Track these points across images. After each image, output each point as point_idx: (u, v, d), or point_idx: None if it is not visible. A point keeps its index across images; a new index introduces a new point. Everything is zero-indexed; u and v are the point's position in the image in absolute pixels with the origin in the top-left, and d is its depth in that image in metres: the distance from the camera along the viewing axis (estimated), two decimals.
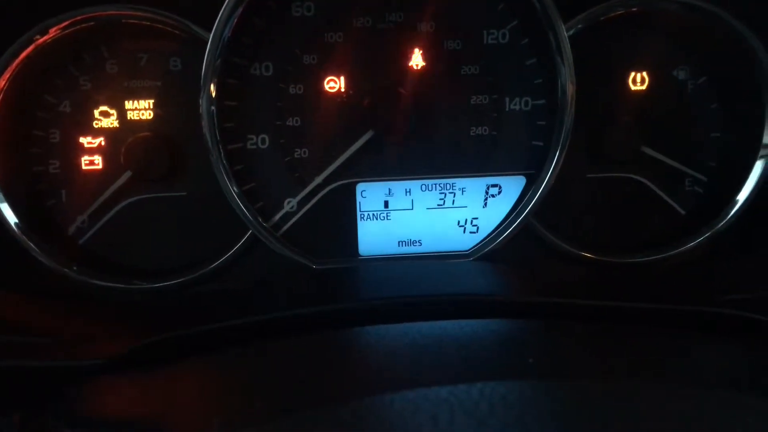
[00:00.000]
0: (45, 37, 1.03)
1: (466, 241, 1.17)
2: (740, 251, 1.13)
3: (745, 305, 0.92)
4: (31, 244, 1.07)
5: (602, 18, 1.09)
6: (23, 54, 1.04)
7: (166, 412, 0.67)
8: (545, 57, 1.08)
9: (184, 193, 1.16)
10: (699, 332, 0.86)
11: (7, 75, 1.05)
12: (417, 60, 1.12)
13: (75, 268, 1.09)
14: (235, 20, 1.03)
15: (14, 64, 1.05)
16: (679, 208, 1.19)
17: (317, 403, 0.56)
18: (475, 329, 0.78)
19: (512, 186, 1.15)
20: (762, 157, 1.12)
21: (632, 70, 1.16)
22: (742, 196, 1.12)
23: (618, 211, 1.20)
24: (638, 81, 1.17)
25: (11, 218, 1.06)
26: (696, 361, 0.74)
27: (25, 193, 1.10)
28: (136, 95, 1.12)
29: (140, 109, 1.13)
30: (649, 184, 1.18)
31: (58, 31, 1.05)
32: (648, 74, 1.16)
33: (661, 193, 1.18)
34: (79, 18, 1.04)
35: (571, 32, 1.08)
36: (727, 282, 1.07)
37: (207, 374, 0.74)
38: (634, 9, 1.10)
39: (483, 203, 1.15)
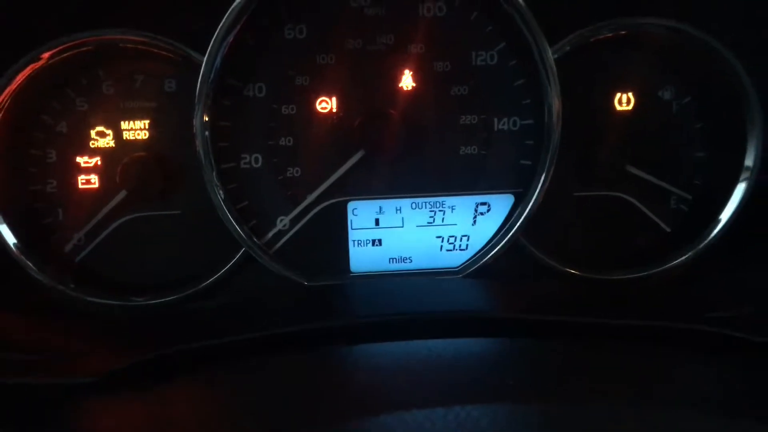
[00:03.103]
0: (42, 61, 1.03)
1: (456, 259, 1.18)
2: (724, 269, 1.14)
3: (726, 323, 0.92)
4: (29, 263, 1.08)
5: (590, 40, 1.09)
6: (21, 75, 1.04)
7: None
8: (533, 78, 1.10)
9: (179, 212, 1.17)
10: (680, 349, 0.86)
11: (5, 96, 1.06)
12: (407, 81, 1.14)
13: (72, 285, 1.11)
14: (229, 42, 1.05)
15: (12, 86, 1.07)
16: (664, 226, 1.21)
17: (299, 425, 0.59)
18: (460, 349, 0.81)
19: (501, 204, 1.17)
20: (744, 180, 1.12)
21: (618, 91, 1.18)
22: (725, 215, 1.14)
23: (604, 229, 1.21)
24: (624, 101, 1.18)
25: (9, 238, 1.08)
26: (674, 379, 0.76)
27: (23, 211, 1.12)
28: (132, 116, 1.14)
29: (136, 130, 1.15)
30: (635, 202, 1.19)
31: (56, 54, 1.05)
32: (634, 94, 1.18)
33: (646, 211, 1.20)
34: (78, 42, 1.06)
35: (558, 54, 1.08)
36: (710, 299, 1.08)
37: (199, 393, 0.76)
38: (622, 32, 1.10)
39: (472, 221, 1.17)
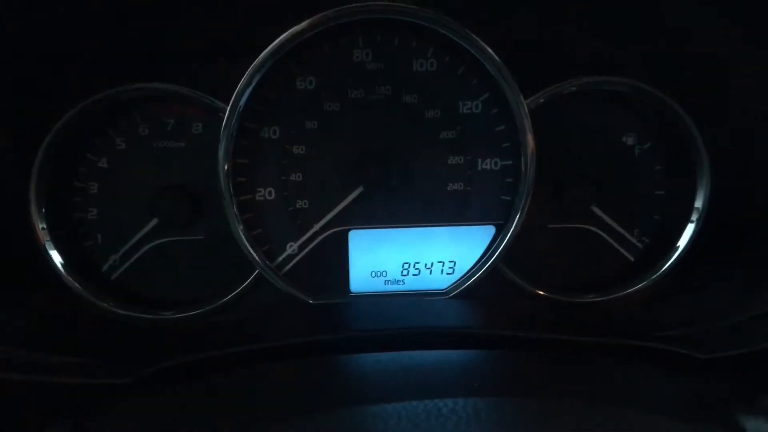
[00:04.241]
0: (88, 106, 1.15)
1: (444, 281, 1.26)
2: (678, 294, 1.22)
3: (676, 341, 1.00)
4: (72, 280, 1.17)
5: (560, 94, 1.19)
6: (66, 118, 1.15)
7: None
8: (511, 125, 1.18)
9: (201, 237, 1.26)
10: (632, 362, 0.93)
11: (56, 136, 1.16)
12: (402, 126, 1.22)
13: (108, 300, 1.19)
14: (248, 93, 1.14)
15: (60, 127, 1.16)
16: (628, 256, 1.28)
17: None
18: (440, 358, 0.92)
19: (483, 234, 1.24)
20: (694, 221, 1.21)
21: (587, 137, 1.26)
22: (680, 247, 1.23)
23: (575, 257, 1.29)
24: (592, 146, 1.26)
25: (57, 259, 1.17)
26: (620, 384, 0.84)
27: (68, 235, 1.20)
28: (163, 154, 1.22)
29: (166, 166, 1.23)
30: (602, 234, 1.27)
31: (101, 101, 1.16)
32: (601, 140, 1.26)
33: (612, 242, 1.27)
34: (123, 90, 1.16)
35: (532, 105, 1.17)
36: (665, 321, 1.15)
37: (217, 393, 0.84)
38: (586, 88, 1.19)
39: (458, 248, 1.24)
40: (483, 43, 1.13)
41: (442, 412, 0.68)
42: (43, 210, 1.16)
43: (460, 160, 1.24)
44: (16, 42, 0.97)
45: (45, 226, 1.17)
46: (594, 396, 0.78)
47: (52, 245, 1.17)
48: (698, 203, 1.21)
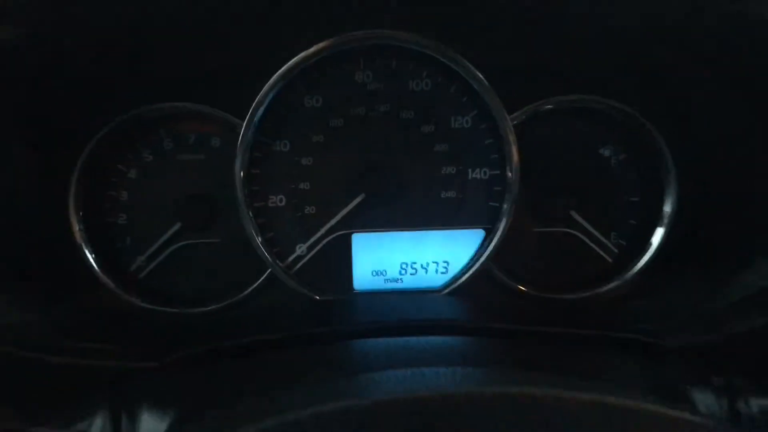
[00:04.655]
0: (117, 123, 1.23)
1: (438, 280, 1.32)
2: (651, 291, 1.29)
3: (646, 331, 1.05)
4: (105, 278, 1.25)
5: (541, 110, 1.27)
6: (102, 134, 1.23)
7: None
8: (498, 138, 1.25)
9: (219, 240, 1.31)
10: (606, 351, 0.98)
11: (90, 151, 1.23)
12: (399, 140, 1.28)
13: (136, 296, 1.26)
14: (262, 111, 1.21)
15: (96, 142, 1.23)
16: (606, 257, 1.34)
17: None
18: (431, 342, 0.94)
19: (473, 237, 1.31)
20: (664, 224, 1.29)
21: (567, 149, 1.32)
22: (651, 249, 1.29)
23: (557, 258, 1.35)
24: (571, 157, 1.32)
25: (92, 260, 1.25)
26: (590, 367, 0.90)
27: (100, 239, 1.27)
28: (186, 165, 1.29)
29: (188, 176, 1.30)
30: (582, 237, 1.33)
31: (130, 119, 1.23)
32: (579, 152, 1.33)
33: (591, 245, 1.34)
34: (150, 108, 1.24)
35: (516, 121, 1.24)
36: (640, 314, 1.25)
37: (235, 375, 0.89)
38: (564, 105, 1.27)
39: (451, 250, 1.31)
40: (471, 66, 1.20)
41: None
42: (81, 213, 1.24)
43: (452, 170, 1.30)
44: (60, 67, 1.05)
45: (82, 229, 1.24)
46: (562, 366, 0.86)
47: (88, 246, 1.24)
48: (667, 208, 1.28)
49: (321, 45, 1.19)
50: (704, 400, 0.88)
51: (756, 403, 0.87)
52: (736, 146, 1.16)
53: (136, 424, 0.80)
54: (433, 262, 1.33)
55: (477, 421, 0.59)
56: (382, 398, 0.62)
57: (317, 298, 1.30)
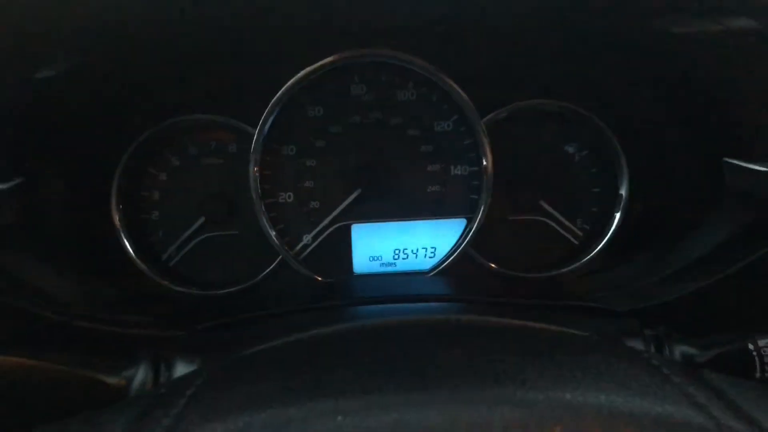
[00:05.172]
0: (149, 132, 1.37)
1: (426, 263, 1.45)
2: (611, 267, 1.44)
3: (604, 300, 1.23)
4: (143, 265, 1.38)
5: (510, 112, 1.40)
6: (138, 142, 1.36)
7: None
8: (475, 139, 1.38)
9: (237, 232, 1.44)
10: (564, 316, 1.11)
11: (127, 157, 1.36)
12: (390, 143, 1.41)
13: (168, 281, 1.39)
14: (271, 120, 1.33)
15: (132, 149, 1.37)
16: (573, 240, 1.48)
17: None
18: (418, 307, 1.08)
19: (456, 226, 1.44)
20: (620, 208, 1.44)
21: (536, 147, 1.45)
22: (609, 232, 1.44)
23: (530, 242, 1.48)
24: (540, 154, 1.45)
25: (130, 249, 1.38)
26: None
27: (137, 232, 1.40)
28: (208, 168, 1.42)
29: (210, 177, 1.42)
30: (551, 223, 1.47)
31: (160, 129, 1.36)
32: (547, 149, 1.45)
33: (560, 230, 1.48)
34: (177, 120, 1.37)
35: (490, 123, 1.37)
36: (599, 286, 1.38)
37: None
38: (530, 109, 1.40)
39: (437, 237, 1.44)
40: (449, 79, 1.34)
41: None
42: (121, 210, 1.38)
43: (437, 167, 1.42)
44: (103, 90, 1.21)
45: (122, 224, 1.37)
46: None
47: (127, 239, 1.37)
48: (622, 192, 1.42)
49: (321, 62, 1.32)
50: (635, 346, 1.05)
51: (678, 350, 1.05)
52: (673, 142, 1.32)
53: (172, 370, 0.95)
54: (422, 248, 1.46)
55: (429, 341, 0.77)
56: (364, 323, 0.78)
57: (320, 279, 1.41)
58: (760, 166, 0.97)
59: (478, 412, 0.55)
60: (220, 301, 1.41)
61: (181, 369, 0.95)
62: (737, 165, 1.02)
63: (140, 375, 0.95)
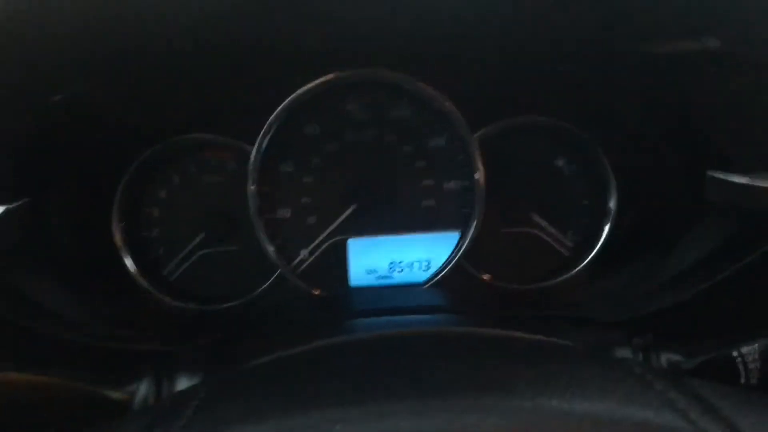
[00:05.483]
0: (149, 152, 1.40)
1: (421, 276, 1.46)
2: (600, 279, 1.46)
3: (590, 310, 1.27)
4: (143, 281, 1.39)
5: (502, 129, 1.40)
6: (140, 160, 1.37)
7: None
8: (467, 154, 1.39)
9: (236, 248, 1.45)
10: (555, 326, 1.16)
11: (128, 175, 1.38)
12: (385, 159, 1.43)
13: (168, 297, 1.40)
14: (268, 138, 1.35)
15: (134, 166, 1.37)
16: (564, 252, 1.50)
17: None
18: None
19: (450, 239, 1.45)
20: (609, 221, 1.46)
21: (527, 161, 1.46)
22: (598, 245, 1.47)
23: (522, 254, 1.49)
24: (531, 168, 1.47)
25: (132, 267, 1.40)
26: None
27: (138, 248, 1.42)
28: (207, 185, 1.43)
29: (210, 195, 1.43)
30: (542, 235, 1.50)
31: (160, 148, 1.37)
32: (537, 163, 1.47)
33: (551, 242, 1.50)
34: (177, 139, 1.38)
35: (481, 139, 1.38)
36: (588, 297, 1.43)
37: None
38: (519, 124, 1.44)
39: (431, 250, 1.45)
40: (441, 96, 1.37)
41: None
42: (122, 228, 1.39)
43: (431, 182, 1.44)
44: (105, 113, 1.22)
45: (123, 241, 1.39)
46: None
47: (128, 256, 1.39)
48: (611, 205, 1.46)
49: (316, 82, 1.33)
50: (623, 355, 1.09)
51: (664, 358, 1.09)
52: (658, 156, 1.35)
53: (174, 384, 0.97)
54: (417, 261, 1.47)
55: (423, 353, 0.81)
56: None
57: (317, 293, 1.43)
58: (741, 178, 1.01)
59: (470, 419, 0.59)
60: (221, 315, 1.43)
61: (183, 383, 0.99)
62: (719, 178, 1.05)
63: (143, 389, 0.98)
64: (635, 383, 0.67)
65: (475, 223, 1.42)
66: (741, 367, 1.00)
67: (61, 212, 1.31)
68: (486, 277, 1.48)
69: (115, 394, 0.99)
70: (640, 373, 0.70)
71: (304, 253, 1.46)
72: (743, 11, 0.80)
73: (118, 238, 1.40)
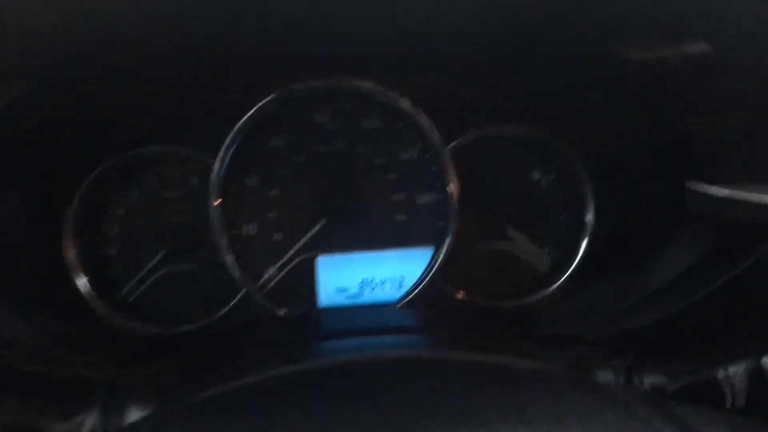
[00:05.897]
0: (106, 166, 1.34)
1: (394, 294, 1.41)
2: (577, 295, 1.42)
3: (569, 328, 1.24)
4: (99, 303, 1.33)
5: (475, 138, 1.39)
6: (94, 175, 1.32)
7: None
8: (440, 166, 1.36)
9: (199, 266, 1.41)
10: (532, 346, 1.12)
11: (83, 191, 1.32)
12: (355, 172, 1.40)
13: (125, 319, 1.34)
14: (231, 150, 1.31)
15: (89, 181, 1.33)
16: (539, 268, 1.48)
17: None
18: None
19: (424, 255, 1.41)
20: (586, 234, 1.44)
21: (502, 174, 1.44)
22: (576, 261, 1.44)
23: (498, 270, 1.47)
24: (506, 180, 1.45)
25: (85, 287, 1.33)
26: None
27: (94, 268, 1.36)
28: (168, 201, 1.39)
29: (171, 210, 1.39)
30: (518, 251, 1.47)
31: (118, 162, 1.33)
32: (512, 175, 1.45)
33: (526, 258, 1.48)
34: (136, 152, 1.35)
35: (455, 150, 1.36)
36: (566, 314, 1.38)
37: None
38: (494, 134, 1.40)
39: (404, 267, 1.40)
40: (413, 106, 1.34)
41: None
42: (77, 246, 1.33)
43: (402, 196, 1.42)
44: (56, 120, 1.17)
45: (77, 260, 1.32)
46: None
47: (81, 276, 1.33)
48: (588, 219, 1.43)
49: (282, 91, 1.30)
50: (605, 377, 1.04)
51: (647, 380, 1.04)
52: (638, 167, 1.32)
53: (124, 415, 0.92)
54: (389, 279, 1.43)
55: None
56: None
57: (283, 314, 1.39)
58: (722, 190, 0.97)
59: None
60: (181, 338, 1.37)
61: (133, 414, 0.93)
62: (699, 190, 1.01)
63: (90, 422, 0.92)
64: (619, 412, 0.62)
65: (449, 238, 1.38)
66: (727, 389, 0.96)
67: (10, 227, 1.24)
68: (461, 294, 1.44)
69: (60, 427, 0.92)
70: (624, 401, 0.65)
71: (270, 271, 1.41)
72: (736, 15, 0.76)
73: (70, 255, 1.34)
